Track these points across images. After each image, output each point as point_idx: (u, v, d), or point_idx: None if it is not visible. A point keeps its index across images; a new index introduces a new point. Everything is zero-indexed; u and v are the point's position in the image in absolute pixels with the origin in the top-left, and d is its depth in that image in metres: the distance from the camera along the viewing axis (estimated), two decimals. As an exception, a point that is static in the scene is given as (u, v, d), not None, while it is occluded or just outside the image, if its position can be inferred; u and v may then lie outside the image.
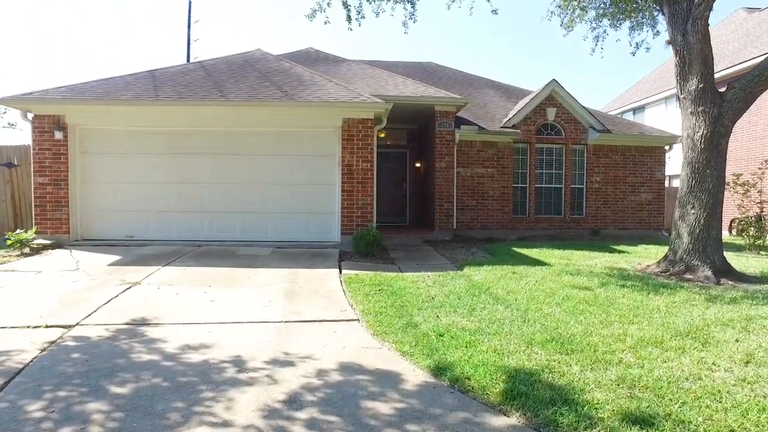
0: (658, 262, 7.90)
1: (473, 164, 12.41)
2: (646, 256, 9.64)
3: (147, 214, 9.94)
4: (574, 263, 8.47)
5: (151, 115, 9.69)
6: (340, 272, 7.47)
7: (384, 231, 11.94)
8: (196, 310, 5.39)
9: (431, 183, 12.29)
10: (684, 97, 7.53)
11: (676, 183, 18.21)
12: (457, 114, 12.36)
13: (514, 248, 10.17)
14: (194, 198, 9.98)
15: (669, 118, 18.59)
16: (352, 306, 5.62)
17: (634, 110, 21.99)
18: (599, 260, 8.90)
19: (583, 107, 12.64)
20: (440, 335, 4.50)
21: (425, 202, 13.23)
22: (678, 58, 7.56)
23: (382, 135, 14.34)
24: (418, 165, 14.19)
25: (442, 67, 18.19)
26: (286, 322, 5.04)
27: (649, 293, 6.15)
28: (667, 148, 13.27)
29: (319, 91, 9.81)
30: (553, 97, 12.68)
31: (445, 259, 8.98)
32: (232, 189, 9.95)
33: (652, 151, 13.17)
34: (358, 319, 5.15)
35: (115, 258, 8.27)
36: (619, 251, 10.33)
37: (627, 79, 67.02)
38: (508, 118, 12.57)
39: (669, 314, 5.21)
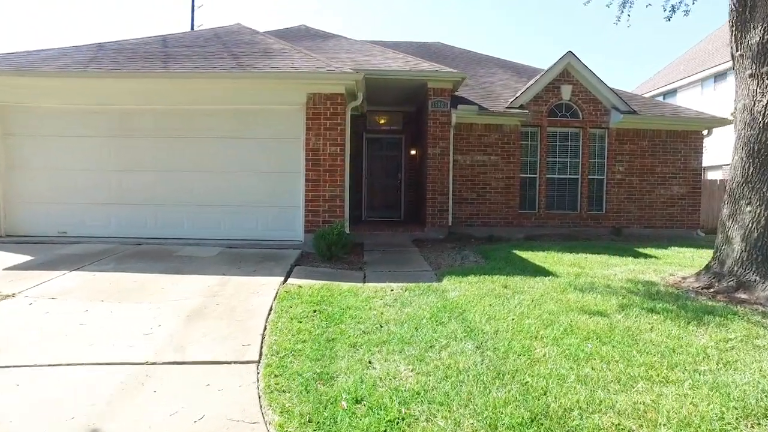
0: (699, 274, 6.09)
1: (473, 151, 10.65)
2: (680, 263, 7.79)
3: (83, 207, 8.50)
4: (587, 273, 6.69)
5: (89, 92, 8.22)
6: (285, 282, 5.89)
7: (373, 227, 10.32)
8: (49, 340, 3.89)
9: (424, 172, 10.58)
10: (741, 55, 5.64)
11: (711, 175, 16.07)
12: (455, 93, 10.60)
13: (515, 251, 8.41)
14: (137, 188, 8.49)
15: (705, 102, 16.42)
16: (263, 337, 4.02)
17: (664, 95, 19.78)
18: (620, 269, 7.10)
19: (605, 84, 10.72)
20: (357, 401, 2.86)
21: (420, 195, 11.53)
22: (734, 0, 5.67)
23: (383, 122, 12.74)
24: (413, 152, 12.48)
25: (450, 47, 16.37)
26: (152, 364, 3.47)
27: (689, 323, 4.38)
28: (705, 132, 11.26)
29: (280, 62, 8.18)
30: (568, 72, 10.79)
31: (426, 264, 7.30)
32: (180, 178, 8.43)
33: (687, 136, 11.17)
34: (258, 361, 3.55)
35: (24, 260, 6.84)
36: (646, 255, 8.48)
37: (652, 69, 63.58)
38: (515, 97, 10.74)
39: (725, 365, 3.46)
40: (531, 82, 10.89)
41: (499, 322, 4.37)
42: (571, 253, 8.41)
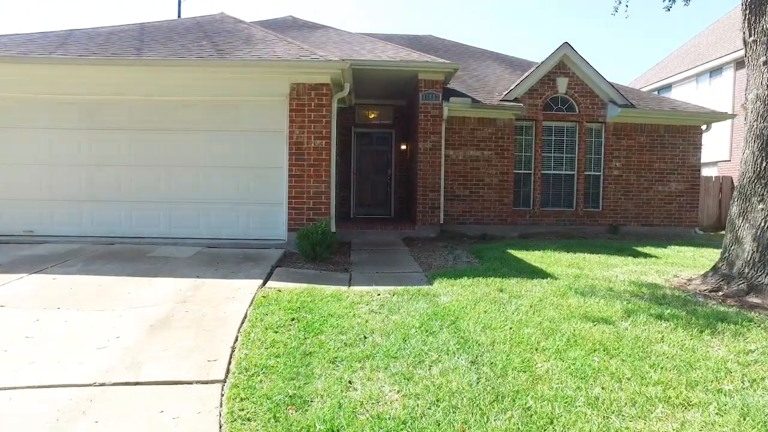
0: (705, 276, 5.73)
1: (466, 145, 10.24)
2: (683, 263, 7.44)
3: (52, 204, 7.97)
4: (587, 274, 6.31)
5: (57, 81, 7.68)
6: (264, 285, 5.44)
7: (362, 225, 9.88)
8: (-19, 357, 3.41)
9: (414, 168, 10.15)
10: (754, 41, 5.26)
11: (705, 172, 15.80)
12: (446, 85, 10.19)
13: (510, 250, 8.02)
14: (110, 184, 7.98)
15: (701, 98, 16.14)
16: (233, 350, 3.58)
17: (658, 90, 19.49)
18: (620, 270, 6.73)
19: (602, 77, 10.35)
20: (332, 434, 2.43)
21: (410, 191, 11.11)
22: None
23: (372, 116, 12.29)
24: (404, 147, 12.05)
25: (441, 40, 15.95)
26: (100, 385, 3.03)
27: (702, 332, 4.00)
28: (704, 127, 10.94)
29: (262, 50, 7.70)
30: (564, 64, 10.41)
31: (416, 265, 6.88)
32: (156, 173, 7.93)
33: (686, 131, 10.84)
34: (223, 381, 3.11)
35: (-18, 261, 6.33)
36: (646, 255, 8.13)
37: (645, 65, 63.60)
38: (509, 90, 10.34)
39: (751, 383, 3.08)
40: (526, 74, 10.50)
41: (496, 331, 3.96)
42: (568, 252, 8.04)
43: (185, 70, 7.37)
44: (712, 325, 4.16)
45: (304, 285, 5.47)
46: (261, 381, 3.07)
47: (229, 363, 3.38)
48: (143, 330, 3.96)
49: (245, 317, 4.35)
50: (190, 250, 7.23)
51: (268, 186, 7.83)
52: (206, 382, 3.11)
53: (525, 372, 3.18)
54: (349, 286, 5.67)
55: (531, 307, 4.70)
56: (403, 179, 12.32)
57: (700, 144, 10.89)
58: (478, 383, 3.00)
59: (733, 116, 10.81)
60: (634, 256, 7.95)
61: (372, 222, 10.80)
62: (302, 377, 3.11)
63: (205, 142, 7.85)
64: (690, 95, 17.12)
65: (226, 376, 3.18)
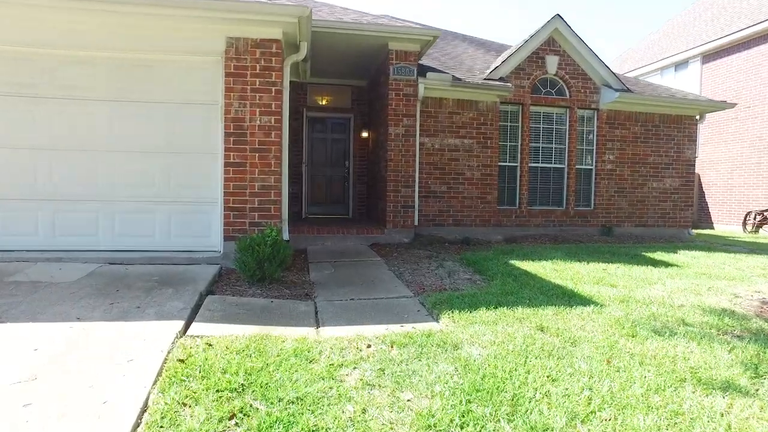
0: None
1: (443, 132, 8.56)
2: (718, 275, 6.13)
3: None
4: (630, 296, 4.79)
5: None
6: (185, 330, 3.46)
7: (318, 227, 7.94)
8: None
9: (382, 159, 8.36)
10: None
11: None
12: (420, 61, 8.46)
13: (512, 261, 6.42)
14: (-38, 174, 5.58)
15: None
16: None
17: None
18: (662, 287, 5.28)
19: (597, 56, 9.01)
20: None
21: (374, 187, 9.31)
22: None
23: (328, 98, 10.32)
24: (365, 135, 10.21)
25: (401, 20, 14.20)
26: None
27: None
28: (698, 117, 9.91)
29: (187, -10, 5.58)
30: (554, 40, 8.97)
31: (402, 286, 5.09)
32: (30, 159, 5.62)
33: (681, 121, 9.76)
34: None
35: None
36: (665, 264, 6.80)
37: (609, 54, 65.35)
38: (493, 68, 8.76)
39: None
40: (512, 49, 8.97)
41: (593, 424, 2.25)
42: (579, 262, 6.56)
43: (72, 5, 5.12)
44: None
45: (250, 329, 3.53)
46: None
47: None
48: None
49: (144, 409, 2.39)
50: (79, 269, 5.04)
51: (196, 178, 5.75)
52: None
53: None
54: (318, 326, 3.79)
55: (607, 363, 3.05)
56: (363, 173, 10.49)
57: (696, 136, 9.86)
58: None
59: (732, 105, 9.85)
60: (654, 266, 6.59)
61: (329, 224, 8.90)
62: None
63: (107, 116, 5.63)
64: (656, 88, 16.45)
65: None
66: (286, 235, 5.79)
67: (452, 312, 4.03)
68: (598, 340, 3.47)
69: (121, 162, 5.69)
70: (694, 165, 9.85)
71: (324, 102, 10.36)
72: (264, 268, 4.74)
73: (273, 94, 5.51)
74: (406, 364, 2.98)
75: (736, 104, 10.33)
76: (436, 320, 3.98)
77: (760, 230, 13.44)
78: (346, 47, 8.06)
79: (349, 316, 4.04)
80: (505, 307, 4.19)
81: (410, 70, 7.88)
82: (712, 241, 10.10)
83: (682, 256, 7.52)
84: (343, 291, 4.86)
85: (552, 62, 8.94)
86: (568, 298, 4.64)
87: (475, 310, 4.11)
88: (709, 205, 15.07)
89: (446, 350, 3.22)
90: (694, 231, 10.38)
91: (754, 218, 13.54)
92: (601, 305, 4.40)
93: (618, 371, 2.94)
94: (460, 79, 8.33)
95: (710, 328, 3.84)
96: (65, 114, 5.58)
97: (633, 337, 3.57)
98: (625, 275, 5.82)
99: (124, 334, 3.30)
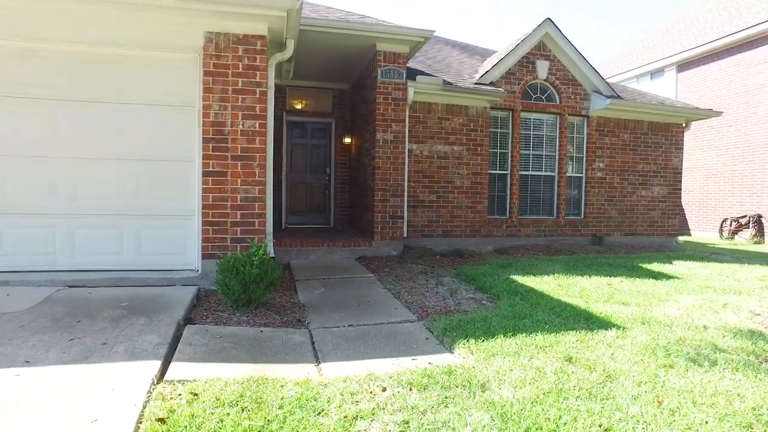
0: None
1: (432, 139, 8.17)
2: (724, 288, 5.90)
3: None
4: (649, 316, 4.47)
5: None
6: (163, 374, 2.91)
7: (300, 239, 7.41)
8: None
9: (369, 166, 7.91)
10: None
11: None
12: (408, 64, 8.06)
13: (512, 276, 6.05)
14: None
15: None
16: None
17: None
18: (675, 304, 4.99)
19: (587, 62, 8.81)
20: None
21: (359, 196, 8.84)
22: None
23: (307, 101, 9.78)
24: (347, 141, 9.74)
25: (387, 21, 13.80)
26: None
27: None
28: (683, 125, 9.84)
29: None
30: (545, 45, 8.72)
31: (403, 308, 4.63)
32: (-22, 167, 4.91)
33: (668, 129, 9.67)
34: None
35: None
36: (666, 276, 6.57)
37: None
38: (484, 72, 8.44)
39: None
40: (502, 53, 8.67)
41: None
42: (580, 275, 6.26)
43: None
44: None
45: (242, 369, 3.02)
46: None
47: None
48: None
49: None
50: (31, 295, 4.37)
51: (170, 189, 5.15)
52: None
53: None
54: (319, 361, 3.30)
55: (658, 404, 2.68)
56: (346, 180, 10.01)
57: (682, 144, 9.78)
58: None
59: (718, 113, 9.84)
60: (655, 278, 6.35)
61: (311, 235, 8.37)
62: None
63: (68, 118, 4.98)
64: (633, 96, 16.57)
65: None
66: (271, 251, 5.25)
67: (467, 341, 3.60)
68: (635, 373, 3.10)
69: (84, 170, 5.04)
70: (681, 173, 9.78)
71: (304, 106, 9.83)
72: (250, 291, 4.20)
73: (257, 95, 4.98)
74: (433, 414, 2.52)
75: (721, 113, 10.34)
76: (450, 351, 3.54)
77: (736, 237, 13.60)
78: (330, 48, 7.58)
79: (351, 348, 3.56)
80: (523, 334, 3.79)
81: (399, 73, 7.47)
82: (698, 249, 10.03)
83: (678, 267, 7.33)
84: (338, 315, 4.37)
85: (542, 67, 8.69)
86: (584, 320, 4.28)
87: (491, 337, 3.69)
88: (686, 212, 15.20)
89: (474, 393, 2.78)
90: (681, 239, 10.30)
91: (730, 225, 13.69)
92: (623, 328, 4.06)
93: (673, 415, 2.56)
94: (450, 84, 7.97)
95: (748, 355, 3.53)
96: (17, 115, 4.90)
97: (671, 368, 3.21)
98: (632, 290, 5.53)
99: (87, 382, 2.73)
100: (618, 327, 4.08)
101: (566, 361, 3.30)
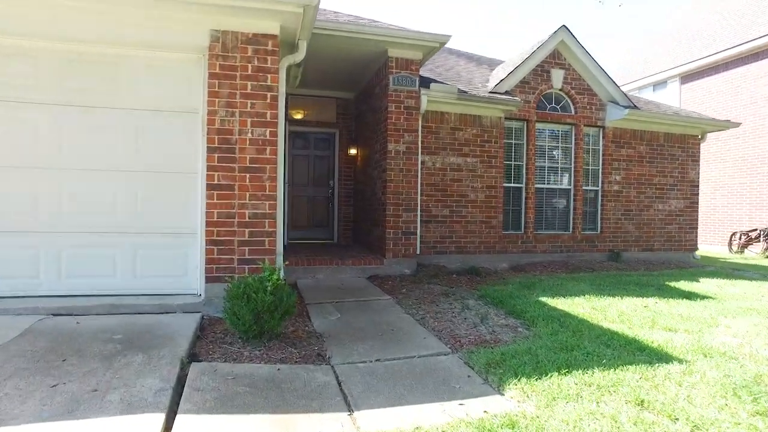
0: None
1: (445, 150, 7.75)
2: (762, 308, 5.50)
3: None
4: (702, 343, 4.03)
5: None
6: (167, 432, 2.39)
7: (305, 256, 6.89)
8: None
9: (379, 179, 7.45)
10: None
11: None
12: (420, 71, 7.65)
13: (541, 297, 5.60)
14: None
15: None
16: None
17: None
18: (726, 329, 4.56)
19: (603, 71, 8.48)
20: None
21: (365, 210, 8.37)
22: None
23: (310, 110, 9.33)
24: (353, 152, 9.28)
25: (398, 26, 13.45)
26: None
27: None
28: (699, 137, 9.54)
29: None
30: (560, 53, 8.39)
31: (432, 338, 4.14)
32: (-48, 179, 4.37)
33: (685, 140, 9.35)
34: None
35: None
36: (699, 296, 6.16)
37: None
38: (498, 81, 8.06)
39: None
40: (517, 62, 8.30)
41: None
42: (611, 296, 5.83)
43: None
44: None
45: (261, 422, 2.52)
46: None
47: None
48: None
49: None
50: (9, 326, 3.82)
51: (170, 204, 4.64)
52: None
53: None
54: (351, 410, 2.80)
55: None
56: (350, 194, 9.54)
57: (699, 156, 9.46)
58: None
59: (737, 125, 9.56)
60: (689, 298, 5.94)
61: (316, 252, 7.87)
62: None
63: (53, 124, 4.47)
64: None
65: None
66: (282, 275, 4.74)
67: (517, 380, 3.13)
68: (726, 423, 2.64)
69: (72, 183, 4.52)
70: (698, 186, 9.44)
71: (306, 115, 9.38)
72: (263, 321, 3.68)
73: (268, 100, 4.51)
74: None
75: (740, 123, 10.06)
76: (500, 392, 3.06)
77: (745, 250, 13.30)
78: (338, 53, 7.16)
79: (386, 390, 3.06)
80: (578, 370, 3.32)
81: (412, 80, 7.05)
82: (716, 264, 9.67)
83: (707, 286, 6.93)
84: (361, 347, 3.87)
85: (557, 76, 8.34)
86: (637, 350, 3.82)
87: (543, 375, 3.21)
88: (692, 226, 14.91)
89: (549, 454, 2.29)
90: (699, 254, 9.94)
91: (740, 238, 13.41)
92: (684, 361, 3.60)
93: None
94: (465, 92, 7.57)
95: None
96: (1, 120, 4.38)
97: (767, 416, 2.76)
98: (672, 314, 5.09)
99: (75, 446, 2.20)
100: (678, 360, 3.63)
101: (638, 405, 2.84)
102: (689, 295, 6.18)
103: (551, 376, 3.21)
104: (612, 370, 3.36)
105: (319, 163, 9.69)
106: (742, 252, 13.32)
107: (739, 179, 13.67)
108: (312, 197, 9.65)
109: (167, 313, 4.29)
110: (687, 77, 15.24)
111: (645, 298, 5.88)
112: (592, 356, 3.63)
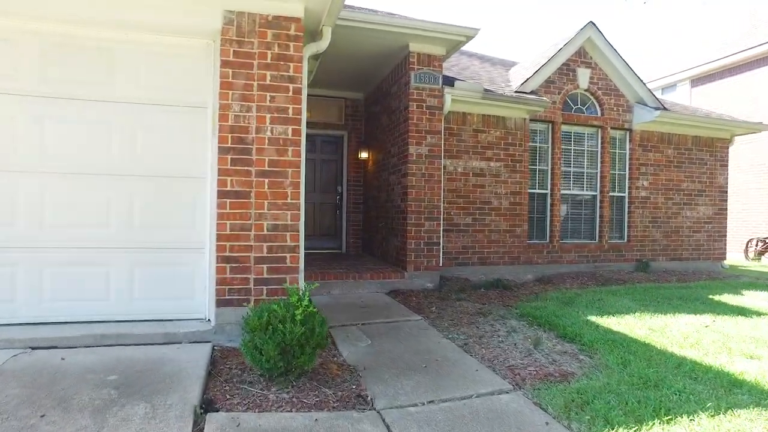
0: None
1: (468, 153, 7.18)
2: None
3: None
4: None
5: None
6: None
7: (317, 269, 6.25)
8: None
9: (397, 184, 6.85)
10: None
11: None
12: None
13: (587, 316, 5.02)
14: None
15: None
16: None
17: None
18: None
19: (631, 70, 7.98)
20: None
21: (379, 218, 7.76)
22: None
23: (318, 111, 8.67)
24: (364, 155, 8.67)
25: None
26: None
27: None
28: (728, 139, 9.08)
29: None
30: (586, 51, 7.88)
31: (486, 370, 3.53)
32: None
33: (713, 144, 8.89)
34: None
35: None
36: (753, 312, 5.63)
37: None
38: (524, 80, 7.51)
39: None
40: (542, 61, 7.76)
41: None
42: (661, 313, 5.31)
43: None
44: None
45: None
46: None
47: None
48: None
49: None
50: (-16, 360, 3.14)
51: (173, 214, 3.99)
52: None
53: None
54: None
55: None
56: (360, 200, 8.92)
57: (727, 160, 9.00)
58: None
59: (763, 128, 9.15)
60: (743, 315, 5.41)
61: (326, 262, 7.24)
62: None
63: (35, 118, 3.80)
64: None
65: None
66: (308, 296, 4.10)
67: (613, 430, 2.53)
68: None
69: (56, 189, 3.85)
70: (726, 191, 8.97)
71: (312, 116, 8.74)
72: (291, 357, 3.04)
73: (290, 94, 3.90)
74: None
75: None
76: (598, 453, 2.46)
77: (762, 258, 12.90)
78: (352, 48, 6.56)
79: (456, 450, 2.44)
80: (682, 416, 2.73)
81: (435, 77, 6.48)
82: (746, 274, 9.19)
83: (753, 299, 6.42)
84: (407, 384, 3.24)
85: (584, 76, 7.82)
86: (733, 387, 3.25)
87: (641, 423, 2.64)
88: (704, 233, 14.50)
89: None
90: (728, 263, 9.46)
91: (756, 245, 13.01)
92: (795, 402, 3.03)
93: None
94: (491, 91, 7.01)
95: None
96: (-29, 118, 3.71)
97: None
98: (741, 336, 4.54)
99: None
100: (785, 400, 3.06)
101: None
102: (743, 312, 5.64)
103: (652, 426, 2.62)
104: (720, 414, 2.79)
105: (326, 167, 9.07)
106: (759, 259, 12.91)
107: (755, 185, 13.30)
108: (319, 204, 9.01)
109: (171, 343, 3.63)
110: (698, 80, 14.88)
111: (698, 315, 5.33)
112: (685, 395, 3.04)
